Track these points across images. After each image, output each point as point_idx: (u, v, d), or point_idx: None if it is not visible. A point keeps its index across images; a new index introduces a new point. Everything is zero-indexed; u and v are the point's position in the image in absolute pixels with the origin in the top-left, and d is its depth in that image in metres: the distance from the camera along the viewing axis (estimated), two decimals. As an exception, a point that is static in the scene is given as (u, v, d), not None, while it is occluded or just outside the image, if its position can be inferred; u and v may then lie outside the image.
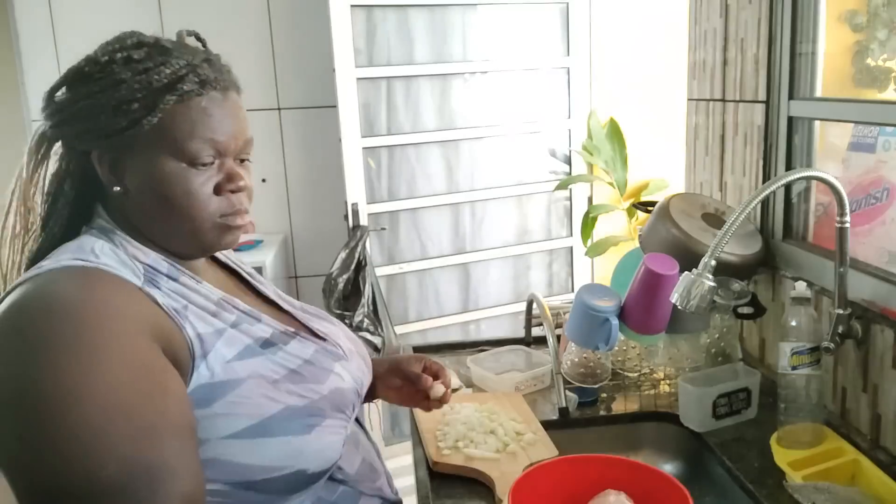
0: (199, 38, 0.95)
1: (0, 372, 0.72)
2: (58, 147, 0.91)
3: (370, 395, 1.17)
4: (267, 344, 0.90)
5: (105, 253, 0.83)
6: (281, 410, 0.86)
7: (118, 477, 0.69)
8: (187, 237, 0.88)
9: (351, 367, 1.00)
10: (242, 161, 0.91)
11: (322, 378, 0.93)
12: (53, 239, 0.88)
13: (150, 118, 0.83)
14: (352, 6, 2.54)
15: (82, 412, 0.69)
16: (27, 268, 0.88)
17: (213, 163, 0.87)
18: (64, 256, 0.81)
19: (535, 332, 1.80)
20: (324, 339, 1.00)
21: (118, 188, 0.86)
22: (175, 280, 0.87)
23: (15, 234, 0.89)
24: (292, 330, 0.96)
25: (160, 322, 0.80)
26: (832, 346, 1.22)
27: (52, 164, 0.91)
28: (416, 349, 1.80)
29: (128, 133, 0.83)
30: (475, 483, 1.22)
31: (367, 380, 1.06)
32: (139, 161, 0.85)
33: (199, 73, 0.86)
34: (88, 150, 0.86)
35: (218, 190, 0.88)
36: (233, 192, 0.89)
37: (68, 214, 0.89)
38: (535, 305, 1.72)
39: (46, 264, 0.81)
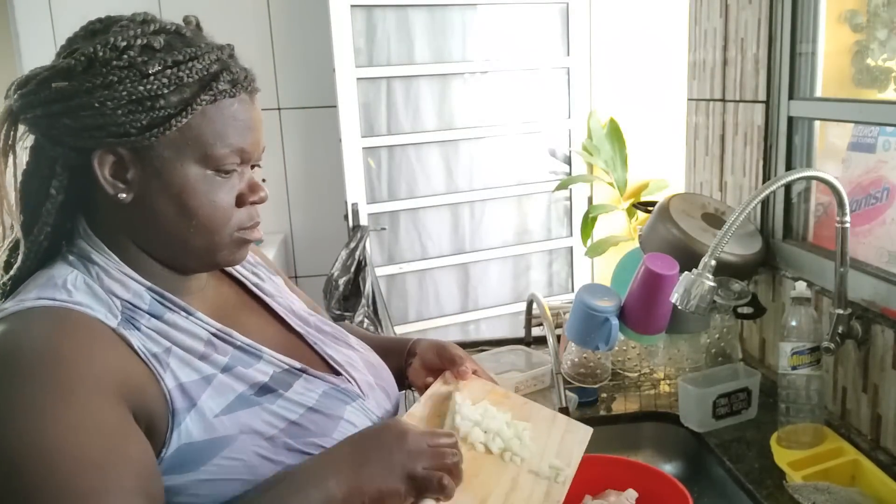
0: (198, 27, 0.84)
1: None
2: (23, 135, 0.80)
3: (402, 384, 1.07)
4: (264, 390, 0.80)
5: (78, 287, 0.75)
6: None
7: None
8: (200, 250, 0.80)
9: (368, 406, 0.89)
10: (252, 168, 0.84)
11: (329, 429, 0.82)
12: (39, 250, 0.80)
13: (179, 118, 0.74)
14: (352, 6, 2.53)
15: (18, 479, 0.64)
16: (5, 288, 0.80)
17: (235, 171, 0.80)
18: (31, 294, 0.74)
19: (535, 332, 1.80)
20: (336, 373, 0.89)
21: (123, 195, 0.76)
22: (158, 317, 0.78)
23: None
24: (298, 366, 0.85)
25: (131, 374, 0.73)
26: (832, 346, 1.22)
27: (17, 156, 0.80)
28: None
29: (149, 133, 0.74)
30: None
31: (389, 414, 0.94)
32: (156, 165, 0.76)
33: (231, 72, 0.78)
34: (88, 149, 0.75)
35: (240, 201, 0.81)
36: (253, 203, 0.82)
37: (54, 223, 0.79)
38: (535, 305, 1.72)
39: (9, 306, 0.73)
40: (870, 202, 1.41)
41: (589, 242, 2.97)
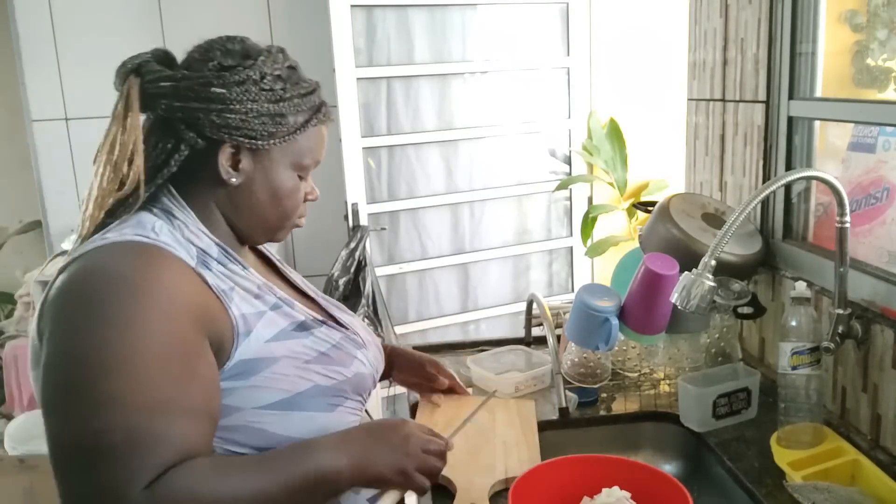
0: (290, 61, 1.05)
1: (57, 331, 0.84)
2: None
3: (382, 377, 1.30)
4: (301, 327, 1.01)
5: (163, 232, 0.93)
6: (310, 388, 0.98)
7: (121, 441, 0.79)
8: (272, 227, 1.04)
9: (369, 355, 1.11)
10: None
11: (347, 362, 1.04)
12: (138, 204, 0.95)
13: (294, 135, 1.00)
14: (352, 6, 2.54)
15: (109, 381, 0.80)
16: (101, 224, 0.95)
17: (308, 176, 1.06)
18: (127, 230, 0.91)
19: (535, 332, 1.80)
20: (346, 328, 1.11)
21: (234, 180, 0.98)
22: (223, 265, 0.98)
23: (102, 186, 0.94)
24: (320, 318, 1.07)
25: (207, 302, 0.91)
26: (832, 346, 1.22)
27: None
28: (416, 349, 1.80)
29: (272, 140, 0.98)
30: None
31: (381, 367, 1.18)
32: (265, 163, 0.99)
33: (326, 105, 1.05)
34: (219, 140, 0.95)
35: (304, 198, 1.07)
36: (309, 200, 1.08)
37: (159, 186, 0.98)
38: (535, 305, 1.72)
39: (111, 236, 0.90)
40: (870, 202, 1.41)
41: (589, 242, 2.97)
